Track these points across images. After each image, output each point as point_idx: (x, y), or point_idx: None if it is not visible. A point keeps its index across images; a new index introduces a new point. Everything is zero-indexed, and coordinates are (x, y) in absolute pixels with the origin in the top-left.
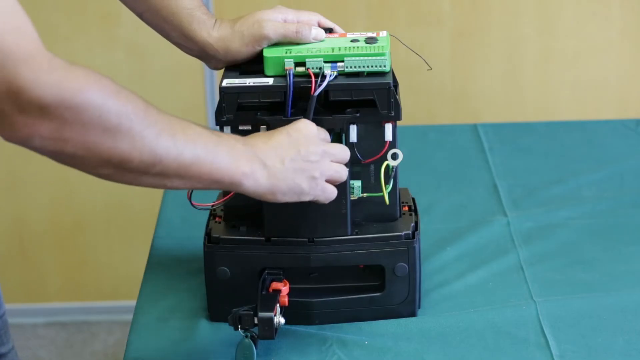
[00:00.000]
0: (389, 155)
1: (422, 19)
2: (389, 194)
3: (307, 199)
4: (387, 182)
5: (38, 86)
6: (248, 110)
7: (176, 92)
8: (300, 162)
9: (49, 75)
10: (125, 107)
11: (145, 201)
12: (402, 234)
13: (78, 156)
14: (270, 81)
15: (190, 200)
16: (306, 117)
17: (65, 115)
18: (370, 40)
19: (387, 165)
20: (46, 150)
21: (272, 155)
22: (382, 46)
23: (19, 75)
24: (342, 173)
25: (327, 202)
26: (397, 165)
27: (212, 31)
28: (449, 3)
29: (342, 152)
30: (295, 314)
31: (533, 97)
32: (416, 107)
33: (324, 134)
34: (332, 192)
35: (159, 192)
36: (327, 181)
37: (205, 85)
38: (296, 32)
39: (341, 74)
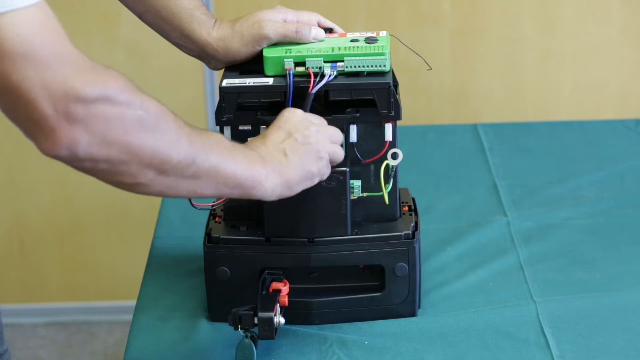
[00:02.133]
0: (389, 155)
1: (422, 19)
2: (389, 193)
3: (317, 180)
4: (387, 182)
5: (84, 85)
6: (248, 110)
7: (176, 92)
8: (301, 147)
9: (91, 73)
10: (160, 107)
11: (145, 201)
12: (402, 234)
13: (122, 161)
14: (270, 81)
15: (190, 201)
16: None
17: (110, 114)
18: (370, 40)
19: (387, 165)
20: (89, 159)
21: (274, 151)
22: (382, 46)
23: (66, 75)
24: (339, 152)
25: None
26: (397, 165)
27: (211, 31)
28: (449, 3)
29: (335, 132)
30: (295, 314)
31: (533, 97)
32: (416, 107)
33: (313, 117)
34: (328, 171)
35: None
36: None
37: (205, 85)
38: (296, 32)
39: (341, 73)
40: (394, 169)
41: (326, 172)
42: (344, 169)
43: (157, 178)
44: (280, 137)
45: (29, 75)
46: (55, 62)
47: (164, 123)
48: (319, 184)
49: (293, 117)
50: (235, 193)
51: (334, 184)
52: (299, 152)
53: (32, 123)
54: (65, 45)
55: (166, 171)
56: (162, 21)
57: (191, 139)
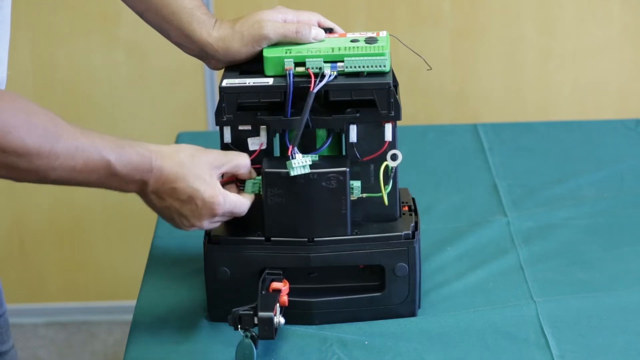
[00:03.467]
0: (388, 156)
1: (422, 19)
2: (389, 194)
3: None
4: (386, 183)
5: None
6: (248, 110)
7: (176, 92)
8: (176, 213)
9: None
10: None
11: None
12: (402, 234)
13: None
14: (270, 81)
15: None
16: (302, 114)
17: None
18: (370, 40)
19: (387, 166)
20: None
21: (165, 194)
22: (382, 46)
23: None
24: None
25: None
26: (397, 165)
27: (212, 31)
28: (449, 3)
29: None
30: (295, 314)
31: (533, 97)
32: (416, 107)
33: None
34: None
35: None
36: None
37: (205, 85)
38: (296, 32)
39: (341, 74)
40: (394, 170)
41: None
42: (344, 169)
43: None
44: (182, 198)
45: None
46: None
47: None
48: (320, 184)
49: (210, 204)
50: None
51: (334, 184)
52: (171, 212)
53: None
54: None
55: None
56: (162, 20)
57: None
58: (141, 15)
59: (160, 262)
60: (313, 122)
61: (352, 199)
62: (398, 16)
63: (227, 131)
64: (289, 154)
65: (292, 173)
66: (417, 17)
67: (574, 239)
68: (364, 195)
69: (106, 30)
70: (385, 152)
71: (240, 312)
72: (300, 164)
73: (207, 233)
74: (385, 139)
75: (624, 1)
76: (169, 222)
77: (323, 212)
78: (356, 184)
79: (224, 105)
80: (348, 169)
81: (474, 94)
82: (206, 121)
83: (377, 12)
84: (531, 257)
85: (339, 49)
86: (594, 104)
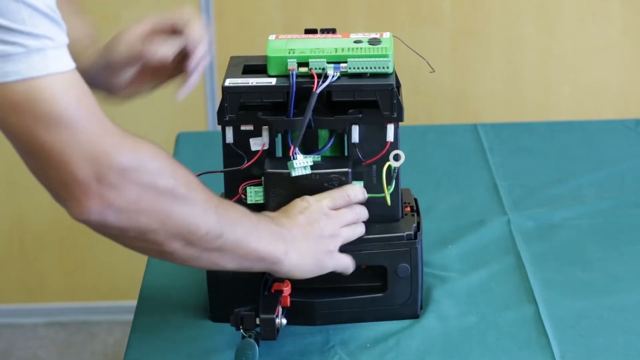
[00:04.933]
0: (391, 157)
1: (422, 19)
2: (391, 195)
3: (327, 271)
4: (389, 183)
5: (119, 150)
6: (250, 110)
7: (176, 92)
8: (317, 239)
9: (125, 140)
10: (190, 176)
11: None
12: (404, 234)
13: (151, 229)
14: (273, 81)
15: None
16: (305, 114)
17: (143, 181)
18: (373, 42)
19: (389, 166)
20: (118, 227)
21: (298, 234)
22: (386, 47)
23: (101, 139)
24: (357, 231)
25: (347, 272)
26: (398, 171)
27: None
28: (449, 3)
29: (352, 214)
30: (297, 315)
31: (533, 97)
32: (416, 107)
33: (334, 199)
34: (347, 264)
35: None
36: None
37: (205, 85)
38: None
39: (344, 74)
40: (396, 170)
41: (338, 266)
42: (346, 169)
43: (184, 248)
44: (303, 222)
45: (63, 139)
46: (90, 127)
47: (195, 193)
48: (322, 184)
49: (315, 205)
50: (257, 267)
51: (336, 184)
52: (315, 243)
53: (63, 186)
54: (98, 111)
55: (193, 242)
56: (104, 72)
57: (219, 211)
58: (107, 88)
59: (160, 262)
60: (315, 122)
61: None
62: (398, 16)
63: (229, 131)
64: (290, 154)
65: (293, 174)
66: (417, 18)
67: (574, 239)
68: (367, 195)
69: (106, 30)
70: (388, 153)
71: (242, 313)
72: (301, 164)
73: None
74: (387, 140)
75: (624, 1)
76: (324, 258)
77: None
78: (358, 184)
79: (226, 105)
80: (350, 170)
81: (474, 94)
82: (206, 121)
83: (377, 12)
84: (532, 257)
85: (342, 49)
86: (594, 104)
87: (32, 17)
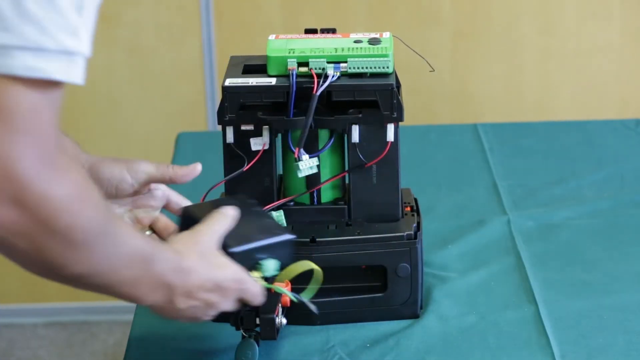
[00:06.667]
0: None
1: (423, 19)
2: (390, 195)
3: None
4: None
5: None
6: (250, 110)
7: (176, 92)
8: (194, 312)
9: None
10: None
11: None
12: (404, 234)
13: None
14: (273, 81)
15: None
16: (307, 116)
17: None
18: (373, 41)
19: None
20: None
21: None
22: (386, 47)
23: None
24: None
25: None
26: (398, 167)
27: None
28: (449, 3)
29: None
30: (297, 315)
31: (533, 97)
32: (416, 107)
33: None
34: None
35: None
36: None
37: (205, 85)
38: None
39: (344, 74)
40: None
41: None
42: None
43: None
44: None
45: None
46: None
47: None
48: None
49: (232, 283)
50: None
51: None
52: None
53: None
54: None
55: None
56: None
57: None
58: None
59: None
60: (315, 122)
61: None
62: (398, 16)
63: (229, 131)
64: (296, 156)
65: (300, 175)
66: (417, 18)
67: (575, 239)
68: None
69: (106, 30)
70: (389, 153)
71: (242, 313)
72: (307, 165)
73: None
74: (387, 140)
75: (624, 1)
76: (189, 321)
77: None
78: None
79: (226, 104)
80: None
81: (474, 94)
82: (206, 121)
83: (377, 12)
84: (532, 257)
85: (342, 49)
86: (594, 104)
87: None
